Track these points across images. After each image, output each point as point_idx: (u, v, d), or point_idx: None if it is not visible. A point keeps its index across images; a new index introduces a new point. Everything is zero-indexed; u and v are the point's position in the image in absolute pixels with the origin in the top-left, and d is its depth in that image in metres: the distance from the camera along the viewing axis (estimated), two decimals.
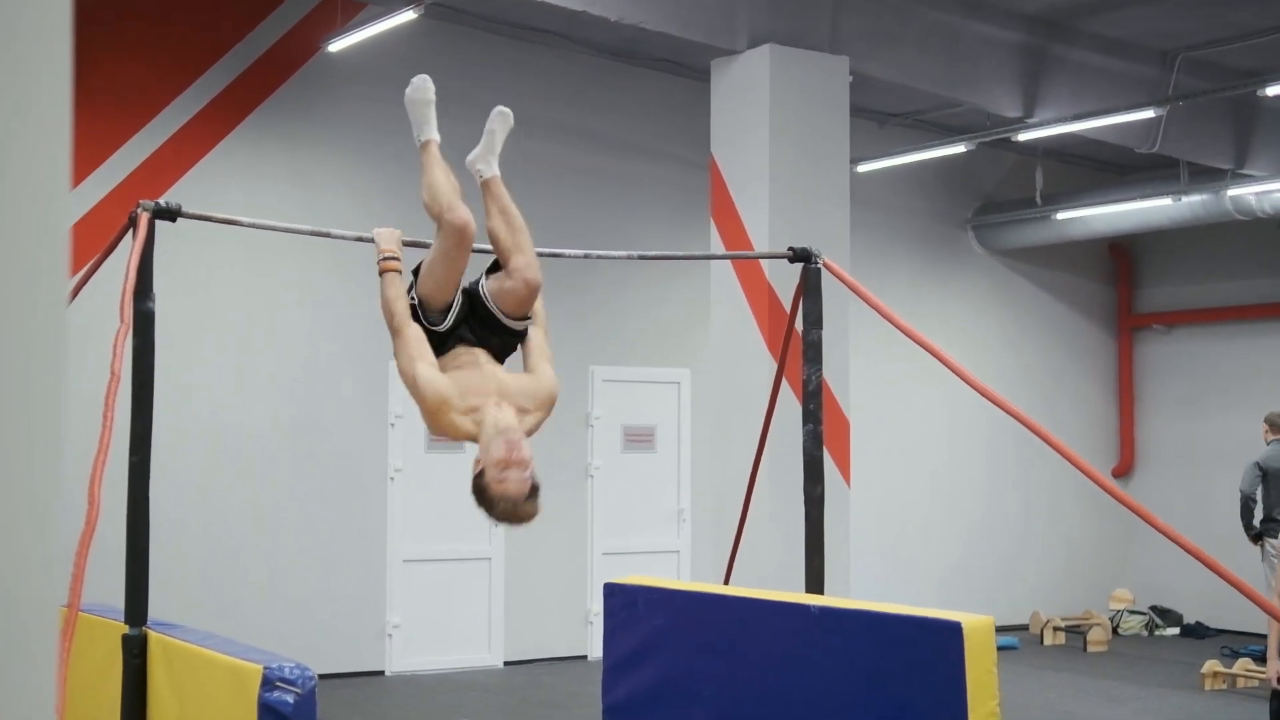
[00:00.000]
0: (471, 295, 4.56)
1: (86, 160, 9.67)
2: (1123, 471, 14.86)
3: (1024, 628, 13.66)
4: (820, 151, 9.13)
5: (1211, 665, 10.86)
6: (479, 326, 4.54)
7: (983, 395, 5.59)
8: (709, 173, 9.48)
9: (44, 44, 1.45)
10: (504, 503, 4.08)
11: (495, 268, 4.65)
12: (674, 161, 12.00)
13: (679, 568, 12.12)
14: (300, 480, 10.47)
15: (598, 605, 11.42)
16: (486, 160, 4.67)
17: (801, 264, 6.25)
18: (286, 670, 3.92)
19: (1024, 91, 10.37)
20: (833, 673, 5.08)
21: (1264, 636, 11.35)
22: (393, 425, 10.87)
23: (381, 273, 4.48)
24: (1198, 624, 13.77)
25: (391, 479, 10.88)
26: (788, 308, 6.91)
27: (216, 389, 10.20)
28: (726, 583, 6.82)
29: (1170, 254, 14.69)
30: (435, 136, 4.65)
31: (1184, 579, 13.57)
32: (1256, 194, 11.98)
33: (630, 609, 6.04)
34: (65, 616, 3.84)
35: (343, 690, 9.99)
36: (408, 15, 9.25)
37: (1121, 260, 14.99)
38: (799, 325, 6.28)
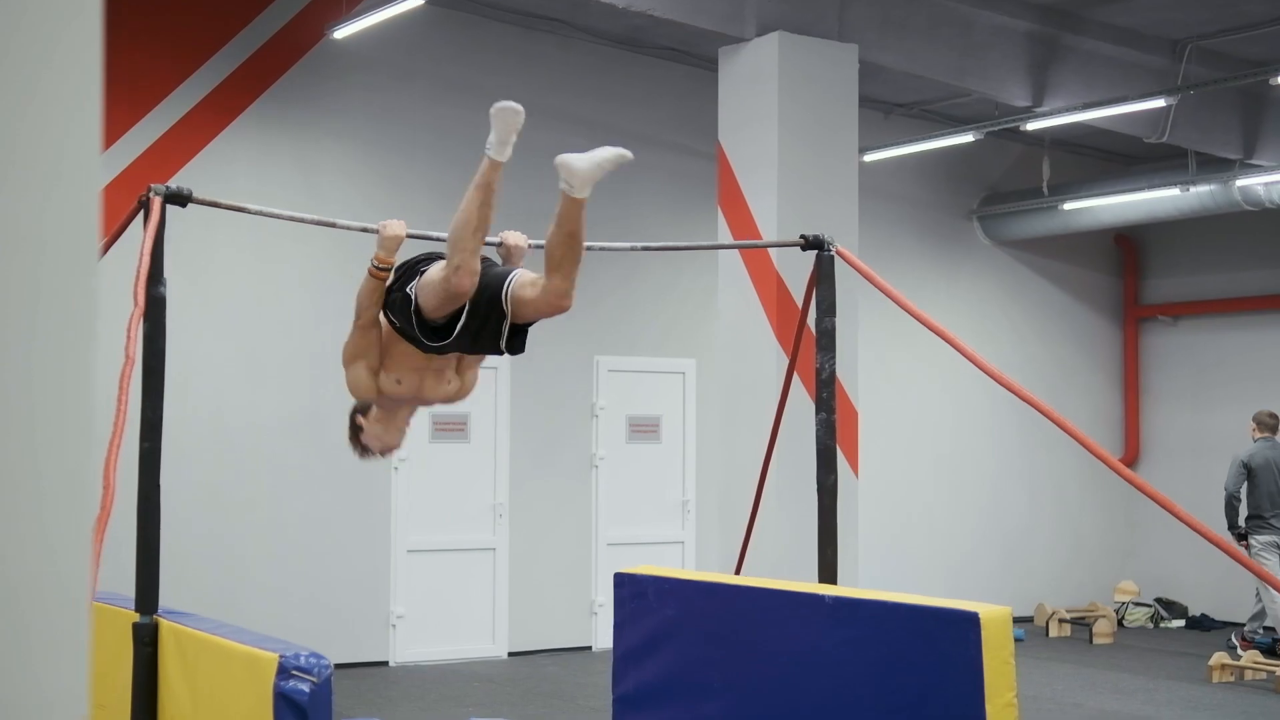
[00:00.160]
0: (493, 288, 4.51)
1: None
2: (1128, 462, 14.80)
3: (1029, 619, 13.63)
4: (829, 140, 9.08)
5: (1219, 657, 10.82)
6: (477, 328, 4.52)
7: (999, 383, 5.54)
8: (716, 162, 9.43)
9: (73, 30, 1.42)
10: (364, 455, 4.96)
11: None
12: (680, 151, 11.94)
13: (684, 558, 12.08)
14: (304, 470, 10.42)
15: (602, 596, 11.41)
16: (585, 187, 4.47)
17: (814, 252, 6.20)
18: (302, 659, 3.88)
19: (1033, 80, 10.32)
20: (846, 664, 5.04)
21: (1270, 630, 11.34)
22: None
23: (370, 274, 4.82)
24: (1203, 616, 13.73)
25: (395, 469, 10.83)
26: (795, 296, 6.87)
27: (219, 377, 10.15)
28: (738, 573, 6.78)
29: (1177, 245, 14.63)
30: (505, 159, 4.53)
31: (1190, 571, 13.55)
32: (1265, 184, 11.92)
33: (641, 599, 6.00)
34: None
35: (347, 680, 9.95)
36: (414, 2, 9.20)
37: (1128, 251, 14.94)
38: (810, 314, 6.23)
